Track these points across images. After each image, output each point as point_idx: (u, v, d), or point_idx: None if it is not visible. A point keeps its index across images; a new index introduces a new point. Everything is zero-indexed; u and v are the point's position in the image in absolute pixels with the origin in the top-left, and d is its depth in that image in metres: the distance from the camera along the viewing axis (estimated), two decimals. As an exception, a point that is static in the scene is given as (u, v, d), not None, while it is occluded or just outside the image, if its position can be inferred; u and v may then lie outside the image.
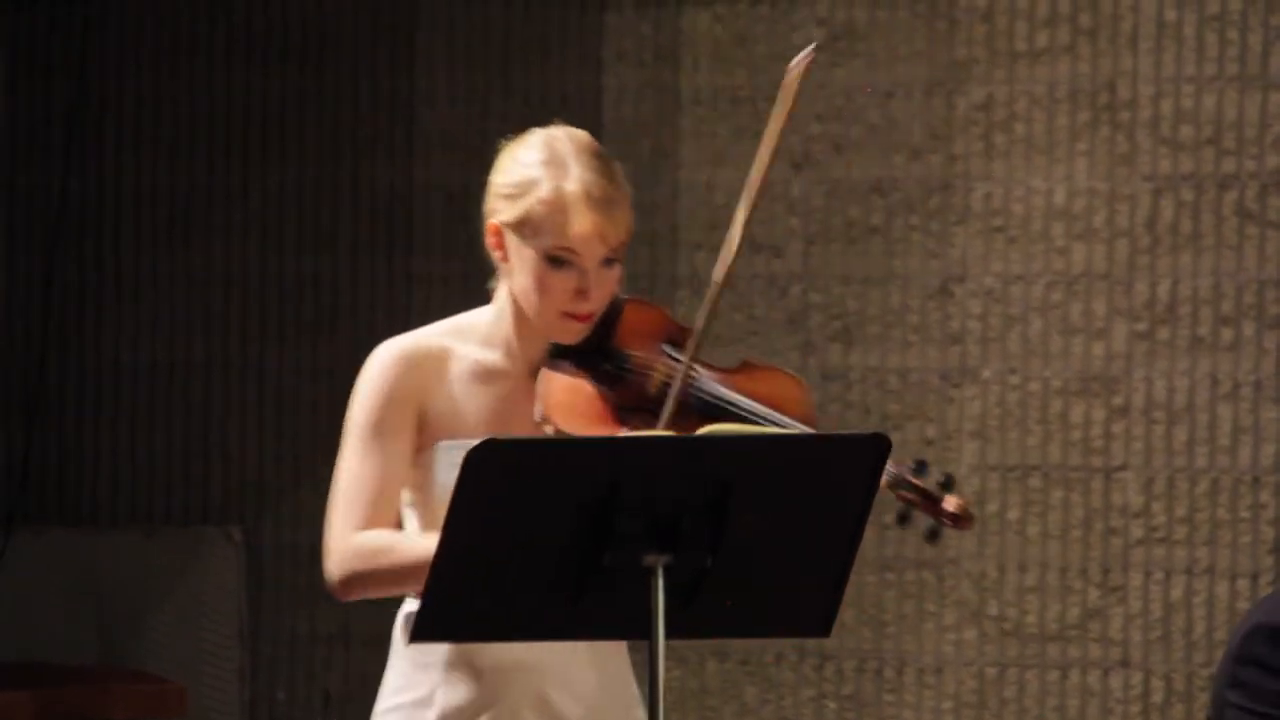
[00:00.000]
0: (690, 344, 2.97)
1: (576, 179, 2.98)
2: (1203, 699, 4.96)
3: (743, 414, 2.94)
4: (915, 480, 2.96)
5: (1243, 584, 4.97)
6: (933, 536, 3.00)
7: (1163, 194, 5.05)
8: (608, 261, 2.99)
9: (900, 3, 5.18)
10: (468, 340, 3.06)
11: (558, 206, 2.97)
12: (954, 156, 5.14)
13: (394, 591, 2.98)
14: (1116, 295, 5.07)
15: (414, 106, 5.57)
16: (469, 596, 2.76)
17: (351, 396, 3.05)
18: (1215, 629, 4.98)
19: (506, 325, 3.04)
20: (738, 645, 5.20)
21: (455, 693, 2.98)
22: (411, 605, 3.02)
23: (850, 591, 2.89)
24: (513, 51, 5.49)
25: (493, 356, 3.04)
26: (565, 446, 2.84)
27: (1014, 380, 5.13)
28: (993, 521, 5.11)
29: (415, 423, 3.00)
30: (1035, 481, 5.10)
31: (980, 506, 5.12)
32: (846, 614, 5.15)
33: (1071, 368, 5.09)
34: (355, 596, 2.97)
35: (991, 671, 5.13)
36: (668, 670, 2.81)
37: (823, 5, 5.22)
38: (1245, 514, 4.98)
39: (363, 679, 5.55)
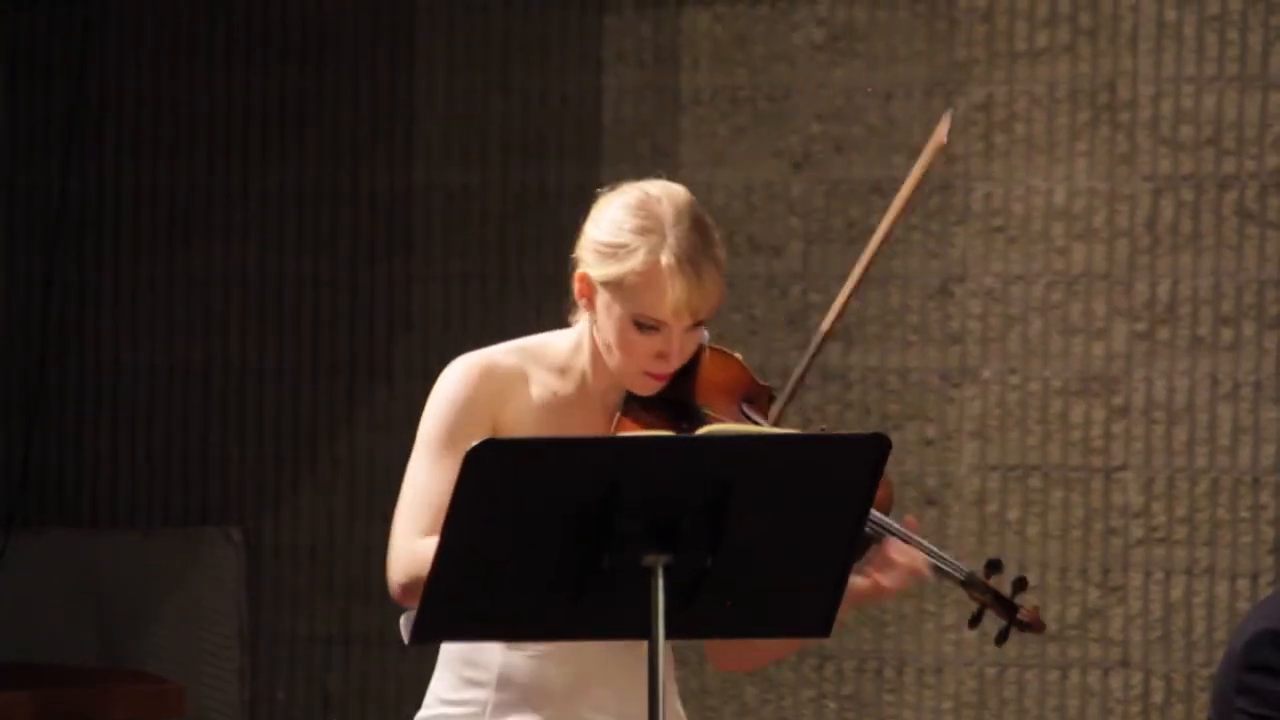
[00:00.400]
0: (775, 409, 2.97)
1: (672, 251, 2.95)
2: (1203, 699, 4.96)
3: None
4: (989, 583, 2.96)
5: (1243, 584, 4.97)
6: (1002, 639, 3.01)
7: (1163, 194, 5.05)
8: (693, 326, 2.99)
9: (900, 3, 5.18)
10: (542, 365, 3.05)
11: (651, 279, 2.95)
12: (954, 157, 5.14)
13: None
14: (1116, 295, 5.07)
15: (414, 107, 5.57)
16: (469, 596, 2.76)
17: (426, 407, 3.02)
18: (1215, 629, 4.98)
19: (583, 359, 3.04)
20: (738, 645, 5.20)
21: (504, 713, 2.99)
22: None
23: (850, 592, 2.89)
24: (512, 52, 5.49)
25: (566, 387, 3.04)
26: (565, 446, 2.84)
27: (1014, 380, 5.13)
28: (992, 522, 5.11)
29: (489, 435, 2.98)
30: (1035, 481, 5.10)
31: (980, 507, 5.12)
32: (846, 614, 5.15)
33: (1071, 368, 5.09)
34: (416, 603, 2.96)
35: (991, 671, 5.13)
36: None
37: (823, 5, 5.22)
38: (1245, 514, 4.98)
39: (362, 679, 5.55)
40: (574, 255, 3.04)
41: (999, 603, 2.96)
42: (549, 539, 2.75)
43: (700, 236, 2.98)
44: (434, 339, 5.55)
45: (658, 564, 2.76)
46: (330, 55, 5.63)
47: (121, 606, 5.58)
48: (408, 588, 2.93)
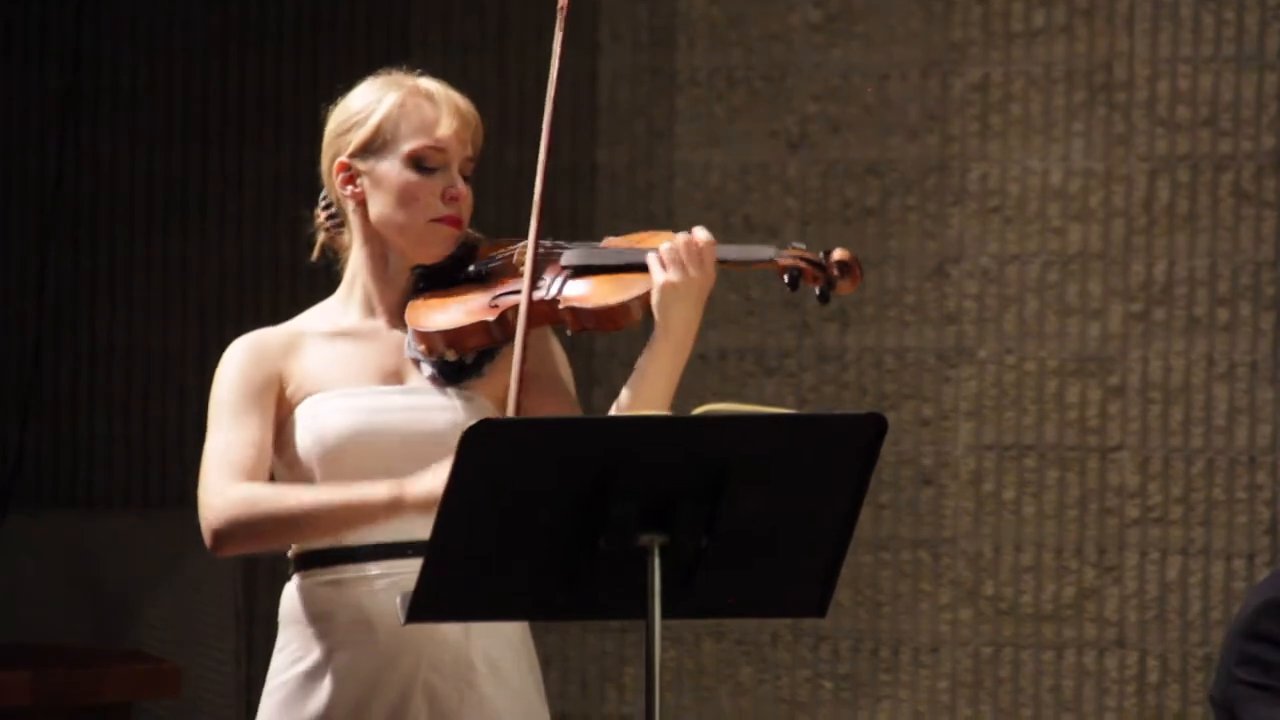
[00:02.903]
0: (534, 213, 2.93)
1: (427, 81, 3.01)
2: (1198, 679, 4.96)
3: (600, 259, 2.92)
4: (793, 250, 2.94)
5: (1238, 564, 4.97)
6: (825, 297, 2.95)
7: (1159, 174, 5.04)
8: (466, 167, 2.98)
9: (896, -17, 5.18)
10: (317, 316, 3.06)
11: (413, 106, 2.97)
12: (950, 137, 5.14)
13: (276, 544, 2.97)
14: (1113, 276, 5.07)
15: (409, 89, 5.56)
16: (466, 576, 2.76)
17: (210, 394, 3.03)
18: (1211, 609, 4.98)
19: (362, 281, 3.03)
20: (734, 625, 5.20)
21: (349, 655, 3.00)
22: (305, 578, 3.03)
23: (846, 571, 2.89)
24: (508, 33, 5.48)
25: (350, 317, 3.03)
26: (561, 426, 2.83)
27: (1010, 360, 5.13)
28: (988, 501, 5.11)
29: (274, 396, 2.99)
30: (1031, 461, 5.10)
31: (976, 486, 5.12)
32: (842, 594, 5.16)
33: (1068, 348, 5.09)
34: (233, 551, 3.01)
35: (987, 651, 5.13)
36: (664, 650, 2.81)
37: (819, -14, 5.22)
38: (1241, 494, 4.98)
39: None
40: (322, 166, 3.03)
41: (812, 262, 2.92)
42: (545, 519, 2.75)
43: (445, 83, 3.02)
44: (430, 321, 5.55)
45: (654, 544, 2.76)
46: (325, 40, 5.62)
47: (118, 588, 5.58)
48: (226, 533, 3.00)
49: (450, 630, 2.97)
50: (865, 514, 2.86)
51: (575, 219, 5.40)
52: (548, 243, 2.96)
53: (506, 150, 5.51)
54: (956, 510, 5.14)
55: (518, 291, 2.92)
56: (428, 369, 2.97)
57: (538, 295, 2.91)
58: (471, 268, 2.99)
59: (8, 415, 5.73)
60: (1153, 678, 5.03)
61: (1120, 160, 5.06)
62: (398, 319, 3.02)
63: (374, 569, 2.96)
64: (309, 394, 2.99)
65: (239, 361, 3.04)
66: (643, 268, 2.93)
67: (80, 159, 5.76)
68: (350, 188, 3.01)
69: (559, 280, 2.93)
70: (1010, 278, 5.12)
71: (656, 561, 2.76)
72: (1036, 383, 5.10)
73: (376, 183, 2.99)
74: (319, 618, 3.01)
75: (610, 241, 2.99)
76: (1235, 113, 4.99)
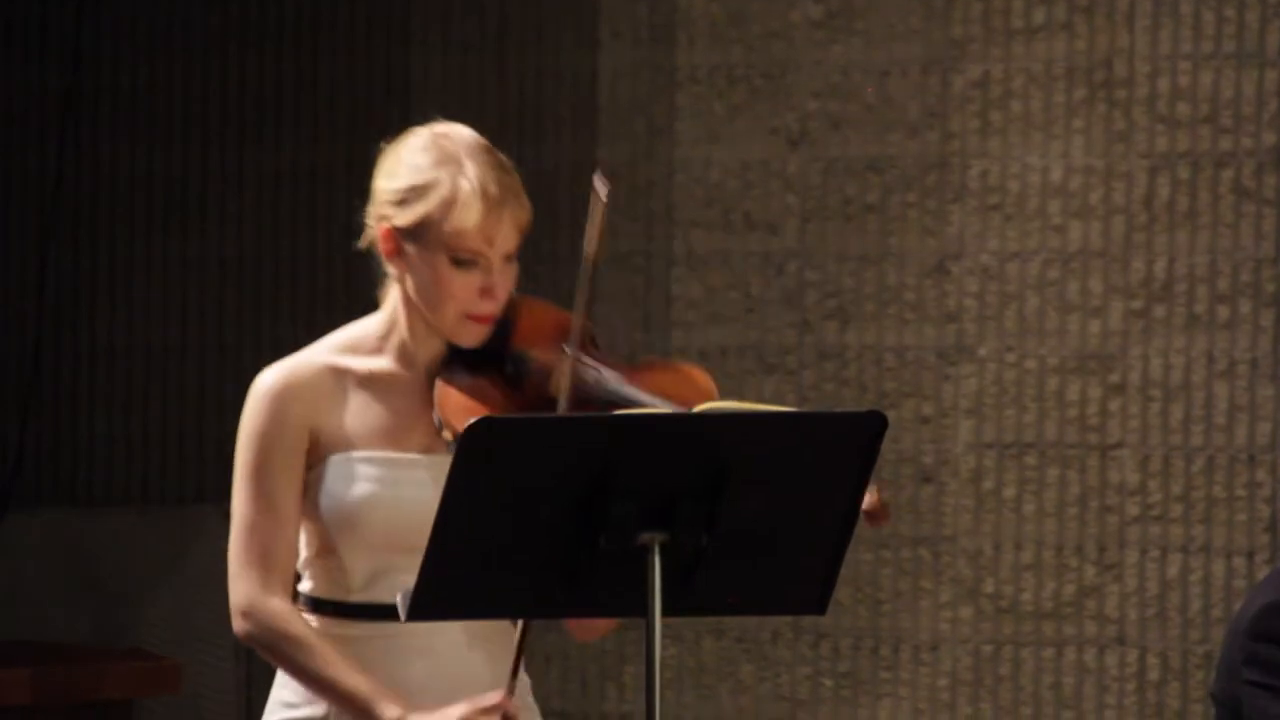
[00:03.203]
0: (574, 335, 2.92)
1: (474, 176, 2.93)
2: (1199, 677, 4.96)
3: (642, 405, 2.89)
4: None
5: (1239, 562, 4.97)
6: None
7: (1159, 171, 5.04)
8: (509, 258, 2.95)
9: (896, -20, 5.18)
10: (358, 352, 3.01)
11: (460, 205, 2.91)
12: (950, 134, 5.14)
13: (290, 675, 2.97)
14: (1113, 273, 5.07)
15: (409, 89, 5.56)
16: (466, 574, 2.76)
17: (239, 430, 2.99)
18: (1211, 607, 4.98)
19: (400, 331, 3.00)
20: (734, 623, 5.21)
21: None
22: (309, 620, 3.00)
23: (846, 569, 2.89)
24: (508, 32, 5.48)
25: (386, 365, 2.99)
26: (562, 424, 2.83)
27: (1010, 358, 5.13)
28: (989, 499, 5.11)
29: (304, 451, 2.95)
30: (1031, 459, 5.10)
31: (976, 484, 5.12)
32: (842, 592, 5.16)
33: (1068, 345, 5.09)
34: (255, 648, 3.00)
35: (987, 649, 5.13)
36: (664, 648, 2.81)
37: (819, -18, 5.22)
38: (1241, 492, 4.98)
39: (360, 659, 5.55)
40: (369, 220, 2.99)
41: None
42: (545, 517, 2.75)
43: (496, 159, 2.96)
44: (430, 319, 5.55)
45: (654, 542, 2.76)
46: (325, 37, 5.63)
47: (117, 585, 5.58)
48: (250, 641, 3.01)
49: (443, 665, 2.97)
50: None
51: (575, 216, 5.40)
52: (590, 372, 2.92)
53: (506, 144, 5.51)
54: (957, 508, 5.14)
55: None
56: (453, 448, 2.93)
57: None
58: (509, 368, 2.94)
59: (8, 414, 5.73)
60: (1153, 675, 5.03)
61: (1120, 157, 5.06)
62: (429, 376, 2.98)
63: (393, 628, 2.94)
64: (340, 450, 2.96)
65: (269, 413, 2.96)
66: None
67: (80, 158, 5.76)
68: (395, 257, 2.98)
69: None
70: (1010, 275, 5.12)
71: (657, 559, 2.76)
72: (1037, 380, 5.10)
73: (417, 265, 2.95)
74: None
75: (649, 375, 2.95)
76: (1236, 110, 4.99)
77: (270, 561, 2.97)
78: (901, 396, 5.15)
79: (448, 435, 2.91)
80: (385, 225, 2.98)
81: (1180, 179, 5.03)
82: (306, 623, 3.00)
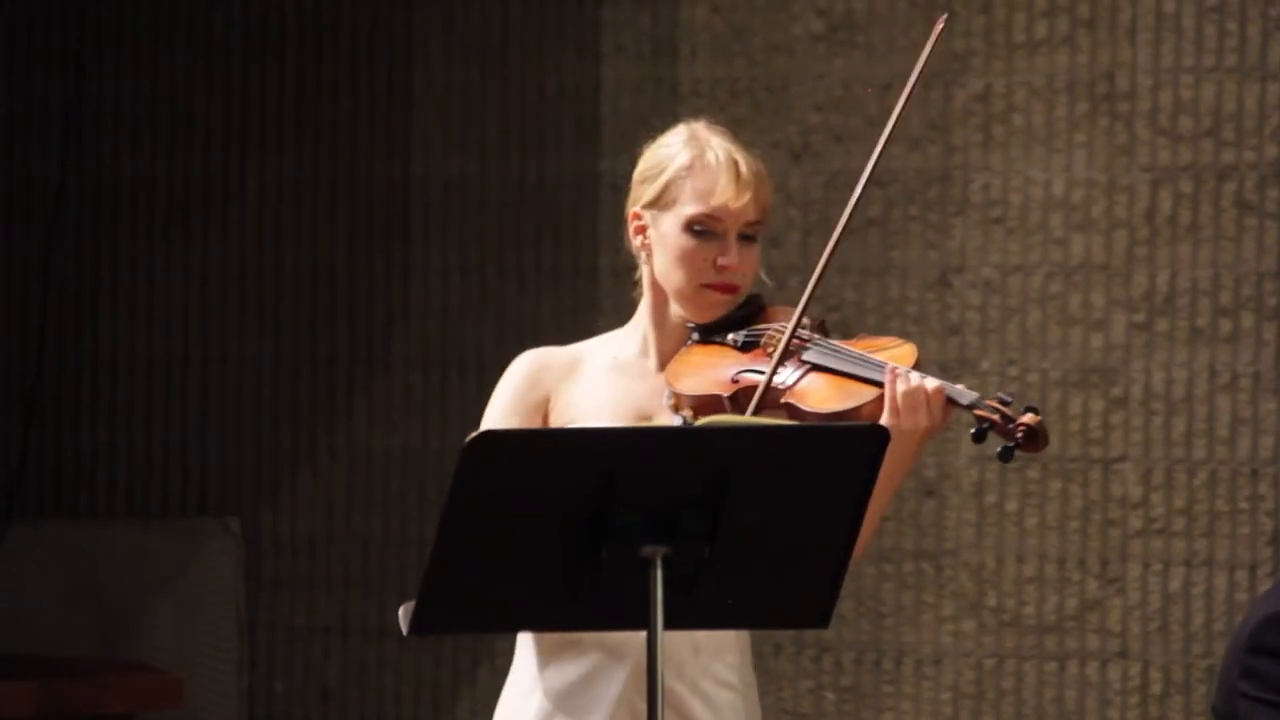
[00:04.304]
0: (801, 304, 3.05)
1: (718, 147, 3.07)
2: (1201, 690, 4.96)
3: (840, 362, 3.01)
4: (995, 402, 2.97)
5: (1241, 575, 4.97)
6: (1006, 456, 2.98)
7: (1161, 185, 5.05)
8: (746, 239, 3.07)
9: (898, -6, 5.18)
10: (601, 346, 3.14)
11: (697, 171, 3.05)
12: (952, 147, 5.14)
13: None
14: (1115, 286, 5.07)
15: (412, 98, 5.57)
16: (468, 588, 2.76)
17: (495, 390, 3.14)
18: (1214, 620, 4.98)
19: (644, 322, 3.12)
20: (736, 637, 5.20)
21: (556, 677, 3.04)
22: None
23: (849, 583, 2.89)
24: (511, 44, 5.49)
25: (629, 351, 3.12)
26: (563, 438, 2.83)
27: (1013, 371, 5.13)
28: (991, 513, 5.11)
29: (542, 414, 3.08)
30: (1034, 473, 5.10)
31: (978, 498, 5.12)
32: (845, 605, 5.16)
33: (1070, 359, 5.09)
34: None
35: (990, 663, 5.13)
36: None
37: (821, -4, 5.22)
38: (1244, 505, 4.98)
39: (361, 670, 5.55)
40: (625, 211, 3.14)
41: (1004, 418, 2.95)
42: (547, 530, 2.75)
43: (743, 147, 3.10)
44: (432, 330, 5.55)
45: (656, 555, 2.76)
46: (328, 46, 5.63)
47: (120, 598, 5.58)
48: None
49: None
50: (868, 525, 2.87)
51: (578, 229, 5.40)
52: (804, 332, 3.06)
53: (509, 156, 5.52)
54: (959, 522, 5.14)
55: (759, 372, 3.02)
56: (676, 419, 3.05)
57: (775, 381, 3.00)
58: (733, 336, 3.08)
59: (11, 423, 5.73)
60: (1155, 689, 5.02)
61: (1122, 171, 5.06)
62: (666, 365, 3.10)
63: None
64: (570, 420, 3.08)
65: (519, 376, 3.12)
66: (873, 382, 2.99)
67: (83, 167, 5.76)
68: (640, 238, 3.12)
69: (796, 374, 3.02)
70: (1013, 288, 5.13)
71: (659, 573, 2.76)
72: (1039, 394, 5.10)
73: (659, 239, 3.08)
74: (527, 641, 3.11)
75: (856, 341, 3.08)
76: (1237, 123, 4.99)
77: None
78: (903, 409, 5.14)
79: (669, 402, 3.02)
80: (634, 207, 3.11)
81: (1182, 192, 5.03)
82: None
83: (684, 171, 3.05)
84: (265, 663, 5.60)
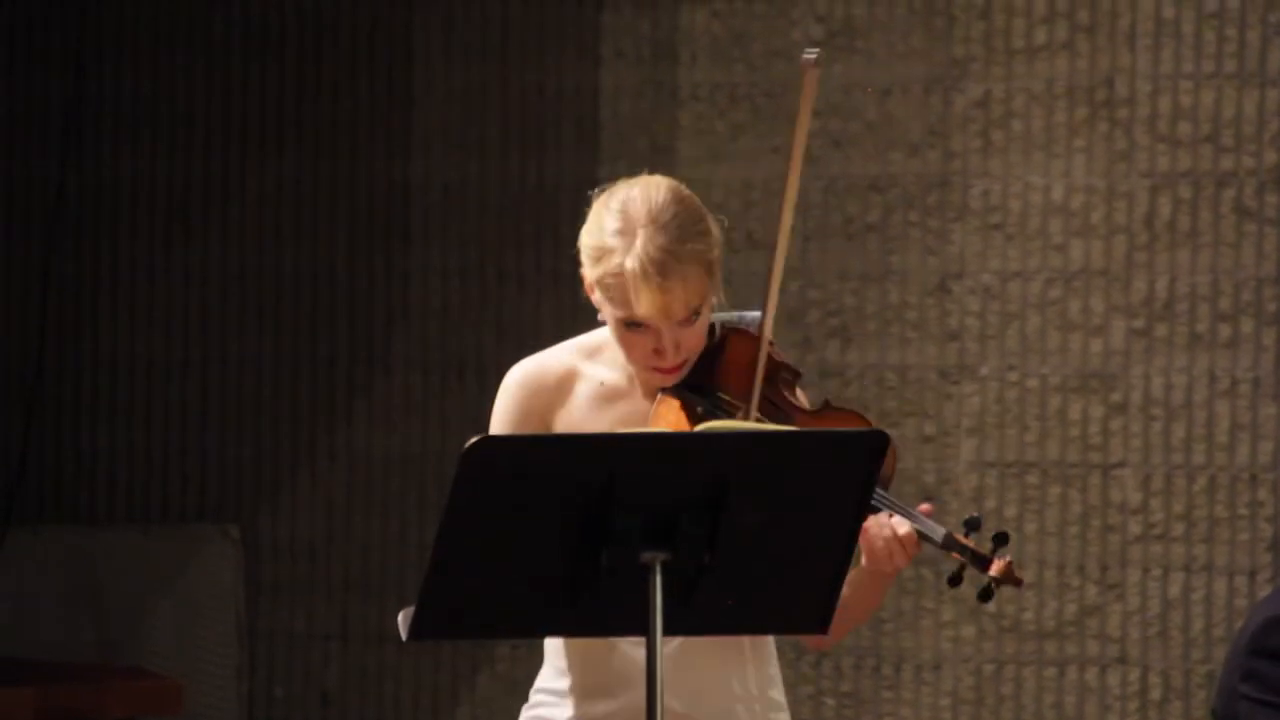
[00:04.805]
0: (755, 387, 3.01)
1: (637, 256, 3.00)
2: (1200, 695, 4.96)
3: None
4: (965, 541, 2.99)
5: (1240, 581, 4.97)
6: (985, 597, 3.03)
7: (1161, 191, 5.05)
8: (686, 322, 3.03)
9: (898, 0, 5.18)
10: (596, 360, 3.13)
11: (623, 284, 3.01)
12: (952, 153, 5.14)
13: None
14: (1114, 292, 5.07)
15: (412, 101, 5.57)
16: (467, 594, 2.76)
17: (492, 413, 3.14)
18: (1213, 626, 4.98)
19: (622, 357, 3.11)
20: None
21: (588, 681, 3.06)
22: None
23: (848, 588, 2.89)
24: (510, 47, 5.49)
25: (616, 377, 3.11)
26: (562, 444, 2.83)
27: (1012, 377, 5.13)
28: (991, 518, 5.11)
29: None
30: (1033, 478, 5.10)
31: (978, 503, 5.12)
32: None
33: (1069, 364, 5.09)
34: None
35: (989, 668, 5.13)
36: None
37: (821, 2, 5.22)
38: (1243, 511, 4.98)
39: (360, 675, 5.55)
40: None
41: (976, 560, 2.98)
42: (547, 536, 2.75)
43: (669, 236, 3.02)
44: (431, 332, 5.55)
45: (655, 561, 2.76)
46: (329, 49, 5.63)
47: (119, 603, 5.58)
48: None
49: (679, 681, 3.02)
50: (867, 531, 2.87)
51: (577, 232, 5.40)
52: (773, 402, 3.02)
53: (509, 159, 5.52)
54: (958, 527, 5.14)
55: None
56: None
57: None
58: (701, 407, 3.04)
59: (10, 428, 5.73)
60: (1155, 694, 5.02)
61: (1122, 176, 5.07)
62: (651, 391, 3.09)
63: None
64: None
65: (515, 397, 3.12)
66: None
67: (82, 168, 5.76)
68: (591, 296, 3.10)
69: None
70: (1012, 294, 5.13)
71: (658, 578, 2.76)
72: (1038, 399, 5.10)
73: (603, 311, 3.08)
74: (562, 654, 3.12)
75: (825, 418, 3.04)
76: (1236, 129, 4.99)
77: None
78: (903, 415, 5.15)
79: None
80: (583, 270, 3.10)
81: (1181, 198, 5.03)
82: None
83: (613, 276, 3.01)
84: (265, 668, 5.60)
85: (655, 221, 3.02)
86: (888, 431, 2.83)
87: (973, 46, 5.14)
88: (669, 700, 3.02)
